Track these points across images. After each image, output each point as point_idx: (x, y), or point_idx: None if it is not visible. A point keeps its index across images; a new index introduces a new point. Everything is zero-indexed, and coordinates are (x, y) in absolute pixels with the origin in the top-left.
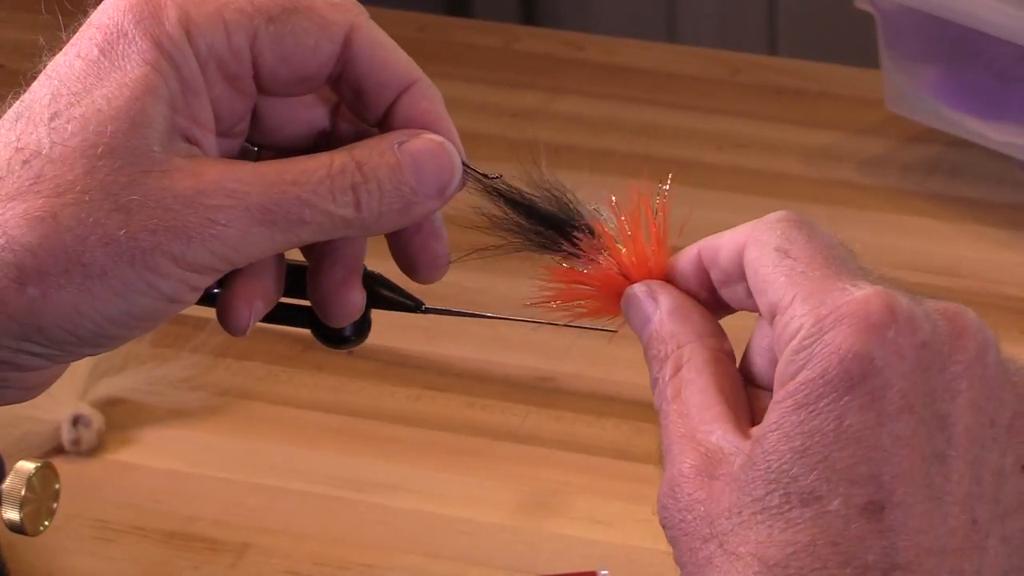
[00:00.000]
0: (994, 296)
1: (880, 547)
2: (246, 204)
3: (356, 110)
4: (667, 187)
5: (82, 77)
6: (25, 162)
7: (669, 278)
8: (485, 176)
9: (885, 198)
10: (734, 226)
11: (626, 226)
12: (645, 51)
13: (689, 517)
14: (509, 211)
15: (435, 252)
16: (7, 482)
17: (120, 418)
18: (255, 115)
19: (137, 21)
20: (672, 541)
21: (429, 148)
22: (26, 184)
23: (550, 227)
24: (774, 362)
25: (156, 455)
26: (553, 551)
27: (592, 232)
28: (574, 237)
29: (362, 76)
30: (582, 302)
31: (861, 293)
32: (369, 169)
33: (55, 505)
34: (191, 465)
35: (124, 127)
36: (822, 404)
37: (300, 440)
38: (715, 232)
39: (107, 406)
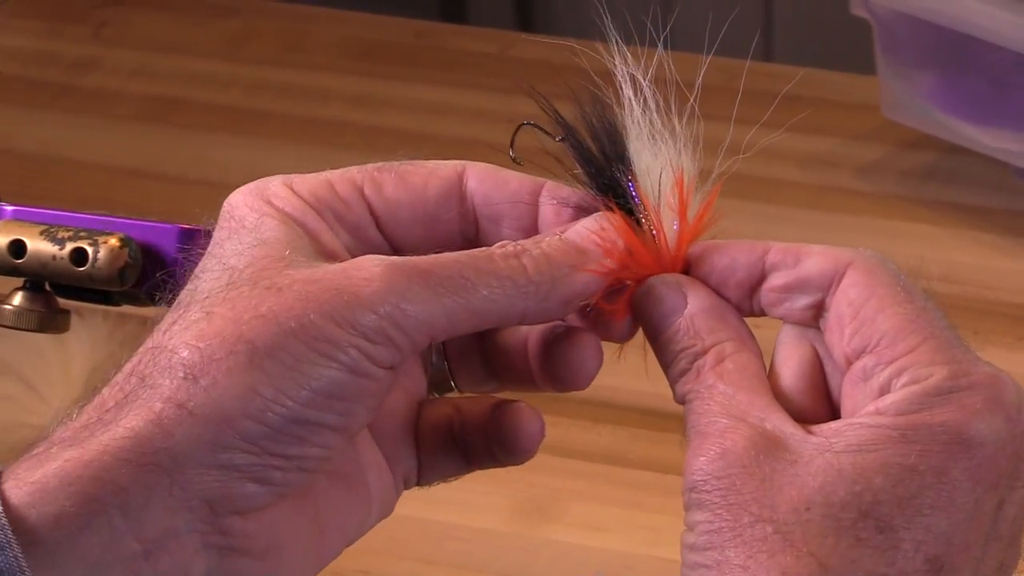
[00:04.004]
0: (990, 302)
1: None
2: (401, 266)
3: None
4: (714, 183)
5: (218, 255)
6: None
7: (690, 268)
8: (552, 134)
9: (882, 204)
10: (730, 230)
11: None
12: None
13: (743, 489)
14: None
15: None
16: None
17: None
18: None
19: (245, 198)
20: (702, 505)
21: (590, 221)
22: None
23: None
24: (814, 383)
25: None
26: (549, 557)
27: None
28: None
29: (495, 201)
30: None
31: (995, 371)
32: (531, 243)
33: None
34: None
35: (255, 250)
36: (935, 449)
37: None
38: (715, 238)
39: None
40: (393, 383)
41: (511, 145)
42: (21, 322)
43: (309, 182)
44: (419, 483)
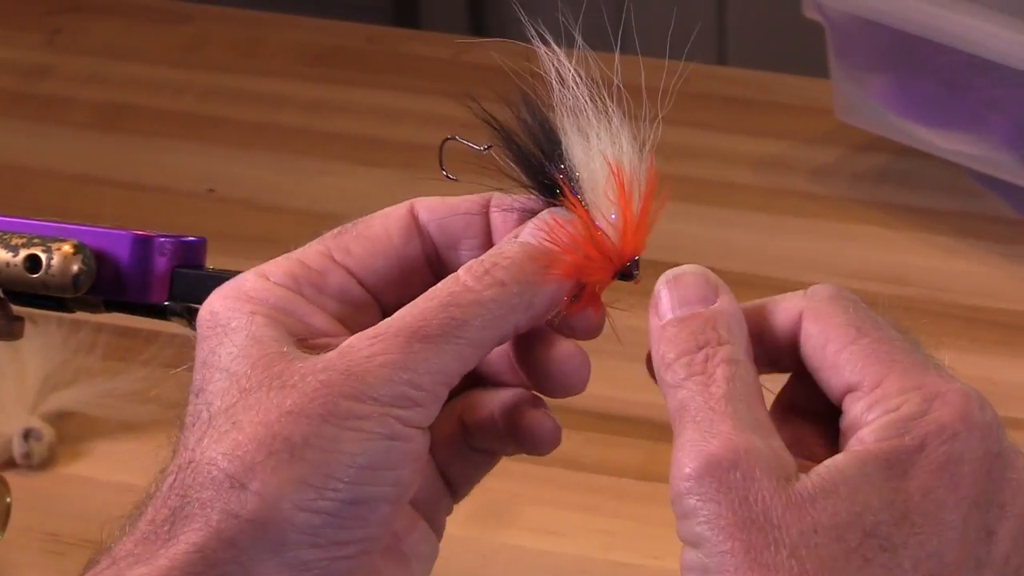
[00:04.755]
0: (943, 304)
1: None
2: (394, 333)
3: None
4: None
5: (216, 364)
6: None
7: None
8: (477, 147)
9: (835, 207)
10: (684, 232)
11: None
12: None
13: (754, 507)
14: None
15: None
16: None
17: (71, 431)
18: None
19: (224, 302)
20: (708, 520)
21: (538, 219)
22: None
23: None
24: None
25: (107, 468)
26: (505, 562)
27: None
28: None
29: (448, 227)
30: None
31: (964, 388)
32: (495, 254)
33: (7, 518)
34: (143, 477)
35: (252, 350)
36: (917, 470)
37: None
38: (668, 241)
39: (58, 420)
40: (428, 442)
41: (440, 163)
42: None
43: (281, 266)
44: (456, 502)
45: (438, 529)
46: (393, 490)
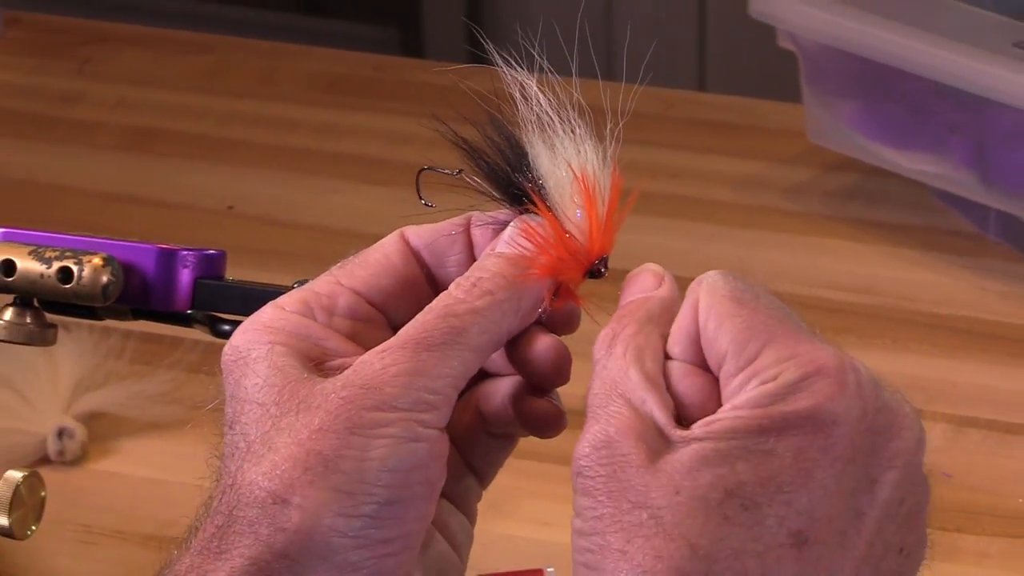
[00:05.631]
0: (909, 312)
1: (792, 575)
2: (401, 346)
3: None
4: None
5: (244, 397)
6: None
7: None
8: (449, 172)
9: (808, 223)
10: (668, 247)
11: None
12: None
13: (621, 476)
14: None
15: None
16: None
17: (102, 430)
18: None
19: (244, 336)
20: (587, 492)
21: (511, 228)
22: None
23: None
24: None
25: (135, 464)
26: (503, 550)
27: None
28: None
29: (435, 248)
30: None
31: (840, 354)
32: (477, 265)
33: (42, 511)
34: (168, 473)
35: (276, 379)
36: (791, 433)
37: None
38: (652, 254)
39: (90, 419)
40: (447, 440)
41: (418, 194)
42: (12, 336)
43: (294, 296)
44: (484, 488)
45: (471, 516)
46: (423, 488)
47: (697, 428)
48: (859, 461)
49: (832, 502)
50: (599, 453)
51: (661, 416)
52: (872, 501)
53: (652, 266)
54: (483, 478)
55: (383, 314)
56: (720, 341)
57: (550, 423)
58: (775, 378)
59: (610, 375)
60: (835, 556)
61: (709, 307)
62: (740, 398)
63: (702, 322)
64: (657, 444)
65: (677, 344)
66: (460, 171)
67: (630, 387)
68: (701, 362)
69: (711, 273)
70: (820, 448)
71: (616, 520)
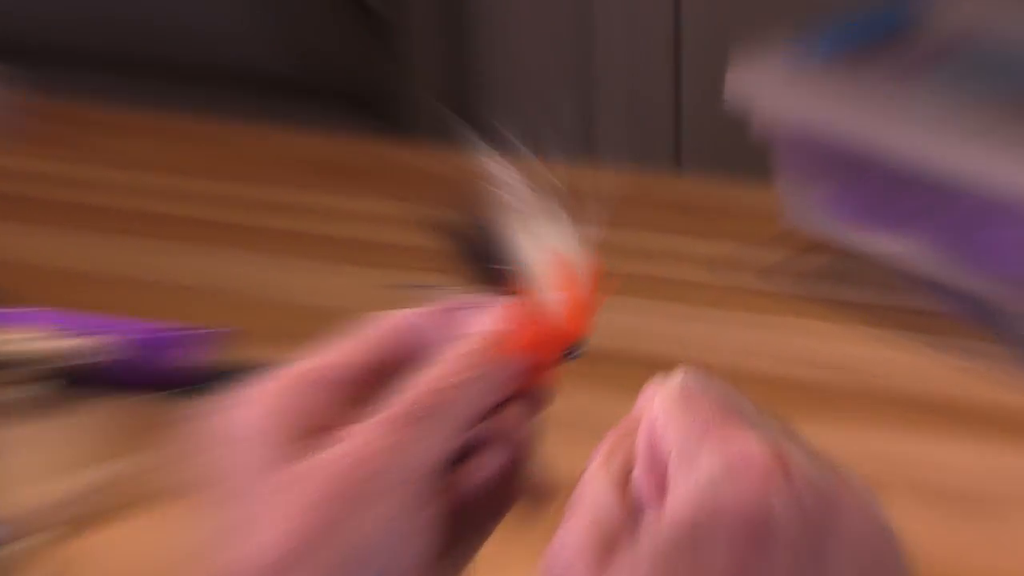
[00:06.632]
0: (880, 389)
1: None
2: (389, 419)
3: None
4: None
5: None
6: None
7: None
8: (426, 286)
9: (782, 303)
10: (644, 328)
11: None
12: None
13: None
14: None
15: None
16: None
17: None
18: None
19: (231, 412)
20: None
21: (491, 311)
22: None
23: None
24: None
25: (126, 540)
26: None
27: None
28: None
29: (419, 330)
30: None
31: (763, 447)
32: (460, 345)
33: None
34: (158, 548)
35: (264, 454)
36: (720, 530)
37: None
38: (629, 334)
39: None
40: (438, 506)
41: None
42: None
43: (283, 370)
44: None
45: (472, 559)
46: (414, 559)
47: (642, 529)
48: (802, 552)
49: None
50: (557, 555)
51: (617, 517)
52: None
53: (659, 379)
54: (473, 547)
55: (370, 389)
56: (667, 440)
57: (535, 496)
58: (705, 472)
59: (584, 477)
60: None
61: (660, 408)
62: (674, 496)
63: (656, 423)
64: (611, 545)
65: (640, 445)
66: (436, 286)
67: (596, 489)
68: (662, 462)
69: (669, 381)
70: (756, 541)
71: None
